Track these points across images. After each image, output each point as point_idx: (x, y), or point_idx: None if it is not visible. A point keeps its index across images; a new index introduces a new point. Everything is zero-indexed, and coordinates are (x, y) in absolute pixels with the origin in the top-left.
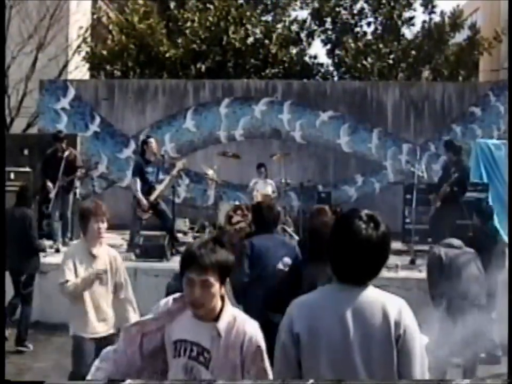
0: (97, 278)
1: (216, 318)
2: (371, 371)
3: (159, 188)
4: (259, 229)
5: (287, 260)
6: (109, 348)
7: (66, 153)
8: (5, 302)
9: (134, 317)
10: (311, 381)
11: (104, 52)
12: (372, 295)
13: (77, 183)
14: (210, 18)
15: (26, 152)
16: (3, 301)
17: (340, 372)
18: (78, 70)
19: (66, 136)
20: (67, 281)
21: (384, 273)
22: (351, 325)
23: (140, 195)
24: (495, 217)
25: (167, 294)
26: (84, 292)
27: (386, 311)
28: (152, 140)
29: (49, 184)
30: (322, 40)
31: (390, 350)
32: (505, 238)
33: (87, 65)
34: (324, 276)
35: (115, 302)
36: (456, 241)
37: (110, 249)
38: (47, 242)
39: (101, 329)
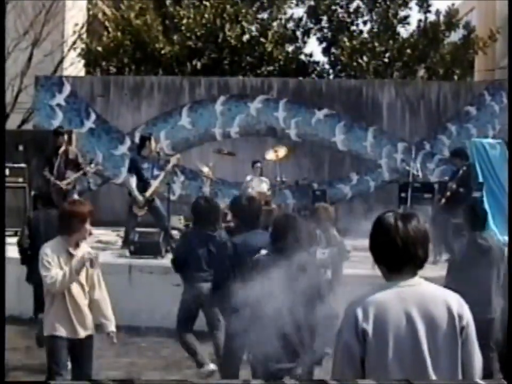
0: (87, 261)
1: None
2: (438, 364)
3: (154, 184)
4: (243, 225)
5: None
6: None
7: (74, 150)
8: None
9: (109, 316)
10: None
11: (100, 49)
12: (431, 289)
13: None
14: (206, 16)
15: (21, 148)
16: (3, 301)
17: (408, 366)
18: (74, 66)
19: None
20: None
21: (377, 271)
22: (417, 319)
23: (135, 191)
24: (490, 218)
25: None
26: (72, 282)
27: (448, 304)
28: (152, 137)
29: (58, 181)
30: (318, 38)
31: (455, 341)
32: (500, 239)
33: (83, 62)
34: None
35: (90, 302)
36: (491, 235)
37: (87, 248)
38: None
39: (81, 331)
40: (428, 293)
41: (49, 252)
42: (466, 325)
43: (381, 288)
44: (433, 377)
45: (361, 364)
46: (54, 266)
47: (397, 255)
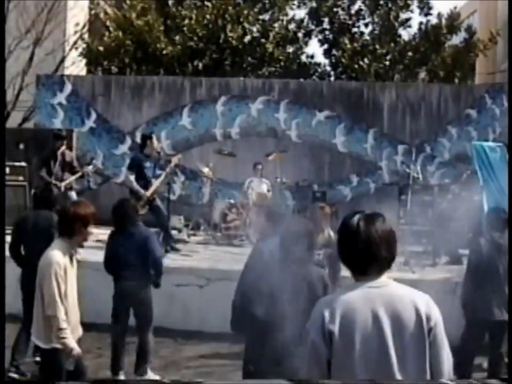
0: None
1: None
2: (405, 365)
3: (155, 184)
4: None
5: None
6: None
7: (70, 154)
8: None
9: None
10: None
11: (101, 48)
12: (399, 289)
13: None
14: (208, 16)
15: (22, 146)
16: (3, 300)
17: (374, 367)
18: (75, 65)
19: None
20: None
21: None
22: (385, 320)
23: (136, 186)
24: None
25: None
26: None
27: (416, 304)
28: (154, 136)
29: (57, 182)
30: (319, 40)
31: (423, 342)
32: None
33: (84, 61)
34: None
35: None
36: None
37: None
38: None
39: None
40: (396, 294)
41: (61, 262)
42: (434, 325)
43: (349, 289)
44: (399, 377)
45: (327, 364)
46: (58, 297)
47: (359, 256)
